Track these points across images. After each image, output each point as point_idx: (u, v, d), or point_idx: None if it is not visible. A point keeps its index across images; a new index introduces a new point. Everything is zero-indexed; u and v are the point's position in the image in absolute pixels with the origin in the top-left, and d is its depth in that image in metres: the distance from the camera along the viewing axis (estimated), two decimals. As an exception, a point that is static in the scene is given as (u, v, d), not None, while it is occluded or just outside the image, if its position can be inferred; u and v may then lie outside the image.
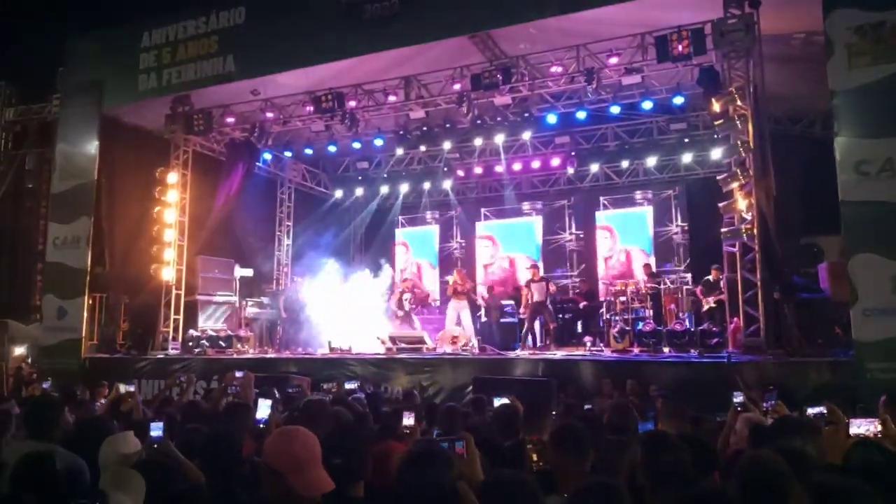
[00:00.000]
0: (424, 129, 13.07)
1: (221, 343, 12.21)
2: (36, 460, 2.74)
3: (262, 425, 4.28)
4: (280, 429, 2.50)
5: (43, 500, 2.54)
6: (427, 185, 16.83)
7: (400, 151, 15.60)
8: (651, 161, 14.83)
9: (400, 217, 17.83)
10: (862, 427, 3.36)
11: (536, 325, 12.22)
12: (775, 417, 4.13)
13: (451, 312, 12.37)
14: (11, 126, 15.98)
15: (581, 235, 16.16)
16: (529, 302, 11.92)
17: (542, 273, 12.73)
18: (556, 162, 14.95)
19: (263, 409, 4.49)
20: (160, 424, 3.53)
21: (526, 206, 16.82)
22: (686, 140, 14.10)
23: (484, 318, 13.02)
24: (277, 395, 6.80)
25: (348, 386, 6.74)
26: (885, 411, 4.55)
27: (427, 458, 2.18)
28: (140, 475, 2.68)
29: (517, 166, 15.68)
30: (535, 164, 15.46)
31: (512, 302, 13.17)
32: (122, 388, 6.23)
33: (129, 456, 3.09)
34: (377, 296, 13.20)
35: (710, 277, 11.55)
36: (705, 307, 11.17)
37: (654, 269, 13.21)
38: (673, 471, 2.71)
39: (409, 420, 4.22)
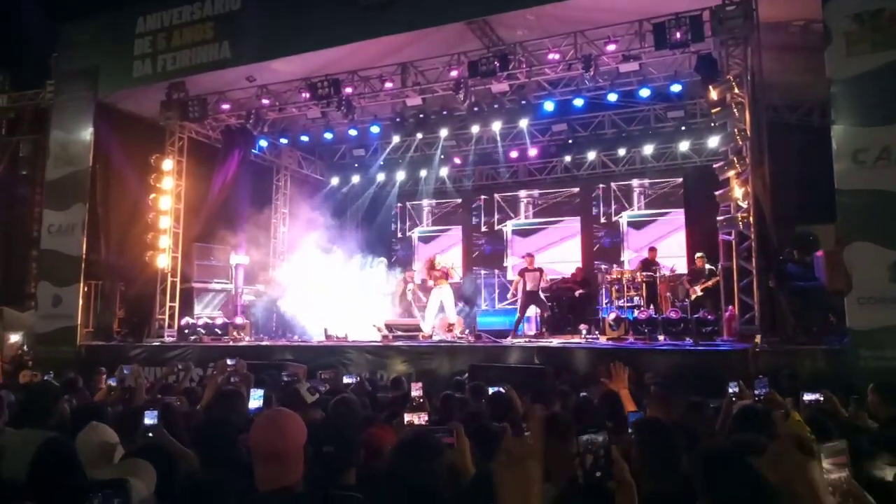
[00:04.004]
0: (421, 116, 13.03)
1: (217, 331, 12.21)
2: (55, 447, 2.73)
3: (253, 416, 4.28)
4: (267, 412, 2.51)
5: (66, 486, 2.53)
6: (424, 173, 16.81)
7: (396, 139, 15.56)
8: (648, 149, 14.84)
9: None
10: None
11: (532, 312, 12.28)
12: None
13: (433, 299, 12.10)
14: (5, 112, 15.85)
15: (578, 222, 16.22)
16: (523, 291, 11.95)
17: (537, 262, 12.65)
18: (552, 149, 14.91)
19: (256, 398, 4.47)
20: (154, 413, 3.55)
21: (522, 193, 16.86)
22: (683, 128, 14.11)
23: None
24: (282, 379, 6.83)
25: (347, 380, 6.72)
26: (873, 398, 4.60)
27: (419, 446, 2.19)
28: (149, 463, 2.69)
29: (514, 154, 15.68)
30: (532, 152, 15.44)
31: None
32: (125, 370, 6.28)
33: (109, 445, 3.08)
34: (374, 283, 13.20)
35: (696, 265, 11.60)
36: (692, 296, 11.20)
37: (654, 256, 13.10)
38: (667, 456, 2.74)
39: (417, 392, 4.23)
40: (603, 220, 15.91)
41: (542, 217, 16.69)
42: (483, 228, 17.16)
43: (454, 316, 12.01)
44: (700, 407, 4.46)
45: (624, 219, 15.73)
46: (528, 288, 11.81)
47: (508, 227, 16.89)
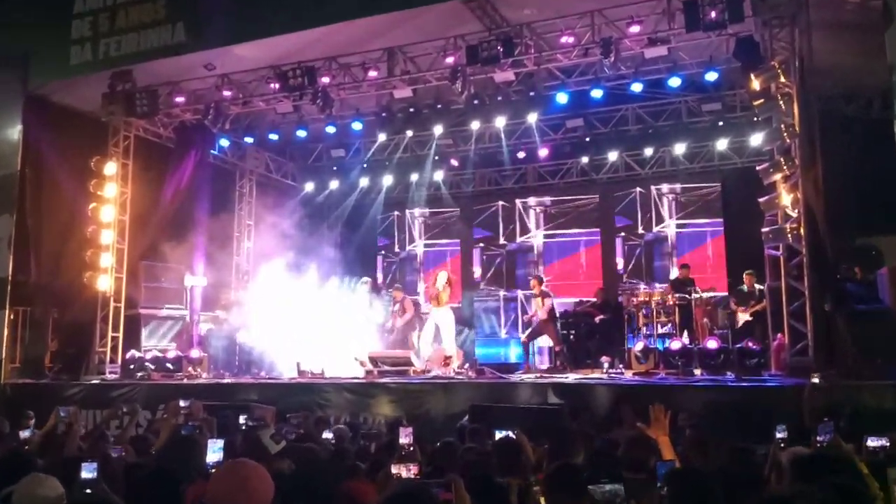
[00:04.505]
0: (411, 110, 13.09)
1: (169, 366, 12.15)
2: None
3: (212, 470, 4.24)
4: (228, 464, 2.50)
5: None
6: (415, 177, 16.83)
7: (382, 137, 15.61)
8: (679, 148, 14.90)
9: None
10: None
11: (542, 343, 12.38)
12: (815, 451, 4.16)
13: (429, 323, 12.26)
14: (-82, 107, 15.89)
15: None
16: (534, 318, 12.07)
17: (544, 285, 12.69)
18: (566, 149, 14.97)
19: (215, 451, 4.41)
20: (94, 465, 3.53)
21: (532, 200, 16.94)
22: (720, 123, 14.17)
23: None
24: (242, 424, 6.79)
25: (326, 435, 6.67)
26: None
27: (410, 502, 2.18)
28: None
29: (521, 155, 15.74)
30: (543, 153, 15.49)
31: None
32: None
33: (53, 500, 3.07)
34: (356, 308, 13.16)
35: (744, 285, 11.66)
36: (740, 321, 11.24)
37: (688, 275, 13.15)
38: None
39: (406, 438, 4.22)
40: (641, 229, 15.91)
41: (552, 229, 16.75)
42: (501, 241, 17.18)
43: (452, 347, 12.01)
44: (746, 454, 4.45)
45: (671, 229, 15.78)
46: (538, 315, 11.98)
47: (538, 239, 16.95)
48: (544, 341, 12.86)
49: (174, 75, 12.80)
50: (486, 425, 6.27)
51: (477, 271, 17.23)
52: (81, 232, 12.80)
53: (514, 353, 14.83)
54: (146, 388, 11.16)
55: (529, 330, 12.52)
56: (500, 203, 17.18)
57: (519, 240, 17.03)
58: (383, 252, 18.16)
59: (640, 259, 15.87)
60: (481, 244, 17.27)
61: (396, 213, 17.98)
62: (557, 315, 12.56)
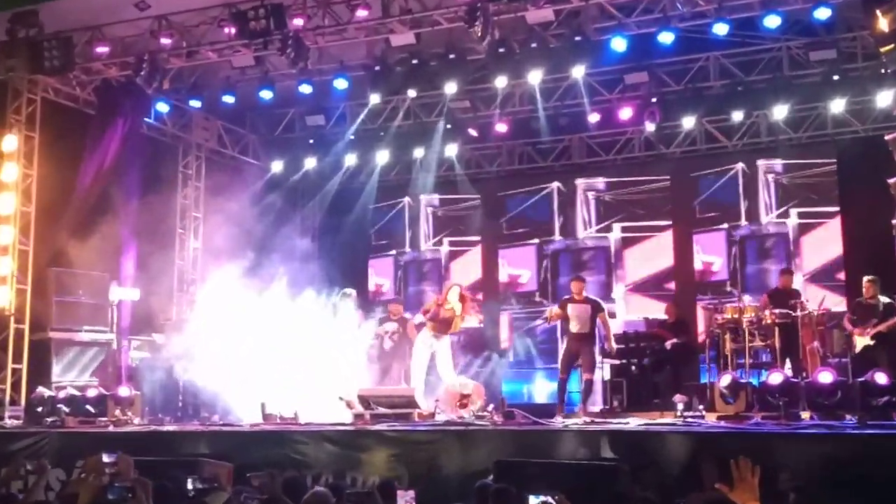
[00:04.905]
0: (414, 62, 13.06)
1: (89, 408, 12.18)
2: None
3: None
4: None
5: None
6: (419, 153, 16.86)
7: (375, 99, 15.59)
8: (780, 112, 14.81)
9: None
10: None
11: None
12: None
13: (421, 349, 12.35)
14: None
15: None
16: (566, 334, 12.09)
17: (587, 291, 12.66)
18: (626, 114, 14.92)
19: None
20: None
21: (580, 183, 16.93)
22: (835, 78, 14.07)
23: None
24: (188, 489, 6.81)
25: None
26: None
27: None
28: None
29: (563, 122, 15.71)
30: (594, 119, 15.46)
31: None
32: None
33: None
34: (339, 331, 13.18)
35: (863, 297, 11.54)
36: (858, 345, 11.13)
37: (790, 284, 13.05)
38: None
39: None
40: (742, 221, 15.90)
41: (606, 220, 16.84)
42: (556, 235, 17.27)
43: (462, 379, 12.03)
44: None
45: (792, 221, 15.72)
46: (572, 329, 11.85)
47: (615, 234, 16.97)
48: (597, 375, 12.79)
49: (94, 17, 12.87)
50: (517, 487, 6.26)
51: (526, 274, 17.36)
52: (-29, 229, 12.91)
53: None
54: (58, 438, 11.16)
55: (561, 358, 12.40)
56: (556, 185, 17.27)
57: (582, 234, 17.12)
58: (388, 253, 18.25)
59: (734, 263, 15.86)
60: (533, 241, 17.35)
61: (405, 200, 18.12)
62: (613, 336, 12.53)
